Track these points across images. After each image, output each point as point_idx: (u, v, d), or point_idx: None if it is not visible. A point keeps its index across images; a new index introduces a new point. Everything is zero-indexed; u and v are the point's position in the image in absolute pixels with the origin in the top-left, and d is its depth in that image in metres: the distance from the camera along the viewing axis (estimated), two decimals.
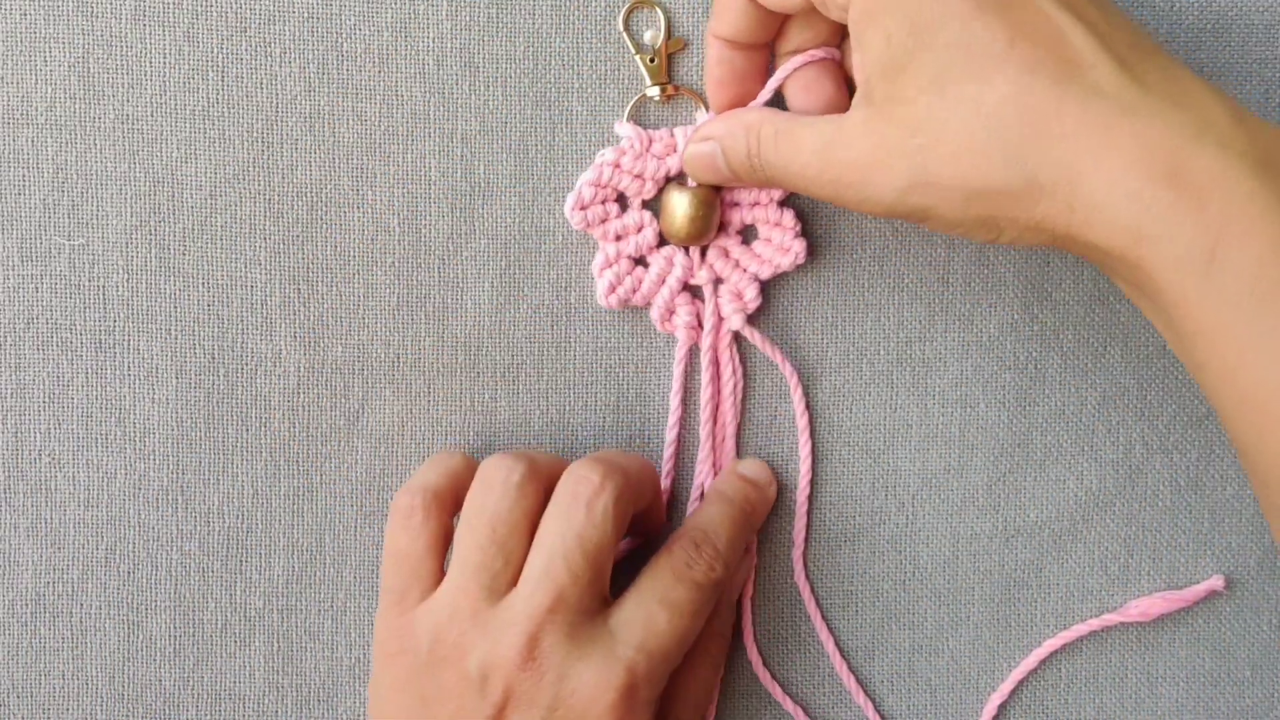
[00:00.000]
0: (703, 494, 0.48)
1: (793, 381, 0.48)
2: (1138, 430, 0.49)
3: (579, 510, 0.42)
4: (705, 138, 0.45)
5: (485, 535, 0.42)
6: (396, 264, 0.48)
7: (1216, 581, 0.49)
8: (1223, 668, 0.50)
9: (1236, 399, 0.36)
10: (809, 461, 0.49)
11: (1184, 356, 0.37)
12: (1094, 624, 0.49)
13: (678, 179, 0.47)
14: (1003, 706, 0.50)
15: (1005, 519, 0.49)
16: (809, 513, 0.49)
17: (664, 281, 0.48)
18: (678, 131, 0.47)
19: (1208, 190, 0.35)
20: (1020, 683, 0.50)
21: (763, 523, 0.48)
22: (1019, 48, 0.37)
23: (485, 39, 0.47)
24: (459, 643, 0.41)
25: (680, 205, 0.46)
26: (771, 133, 0.42)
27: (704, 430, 0.48)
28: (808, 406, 0.49)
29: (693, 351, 0.48)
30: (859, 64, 0.40)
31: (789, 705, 0.49)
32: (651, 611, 0.42)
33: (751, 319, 0.48)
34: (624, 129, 0.47)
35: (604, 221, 0.47)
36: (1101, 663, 0.50)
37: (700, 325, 0.48)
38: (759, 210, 0.47)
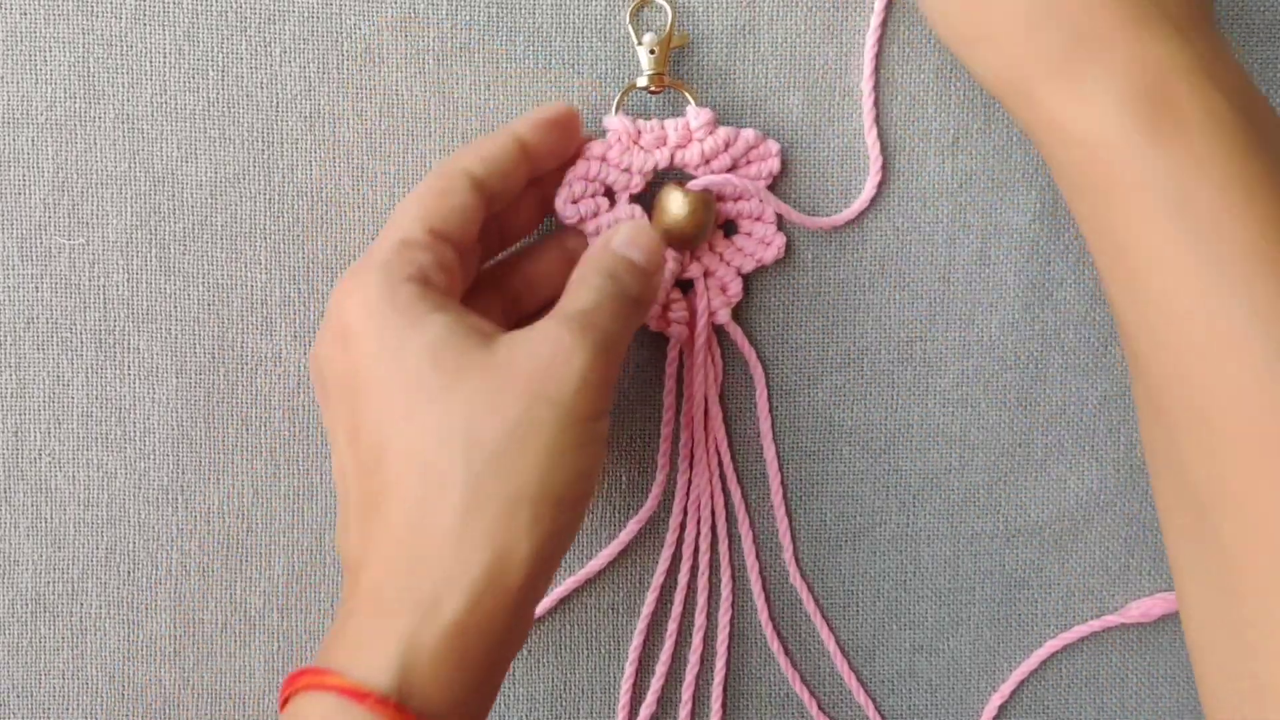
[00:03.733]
0: (690, 480, 0.48)
1: (760, 385, 0.48)
2: (1139, 430, 0.49)
3: None
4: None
5: None
6: None
7: None
8: None
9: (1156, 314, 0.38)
10: (775, 464, 0.49)
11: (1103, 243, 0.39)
12: (1095, 624, 0.49)
13: (671, 177, 0.47)
14: (1003, 707, 0.50)
15: (1006, 519, 0.49)
16: (788, 514, 0.49)
17: None
18: (668, 124, 0.46)
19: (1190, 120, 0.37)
20: (1021, 683, 0.50)
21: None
22: None
23: (486, 38, 0.47)
24: None
25: (679, 207, 0.46)
26: None
27: (694, 423, 0.48)
28: (770, 410, 0.49)
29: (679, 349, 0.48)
30: None
31: (806, 696, 0.49)
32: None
33: (736, 314, 0.48)
34: (612, 121, 0.46)
35: (596, 215, 0.47)
36: (1102, 663, 0.50)
37: (689, 322, 0.48)
38: (741, 204, 0.47)
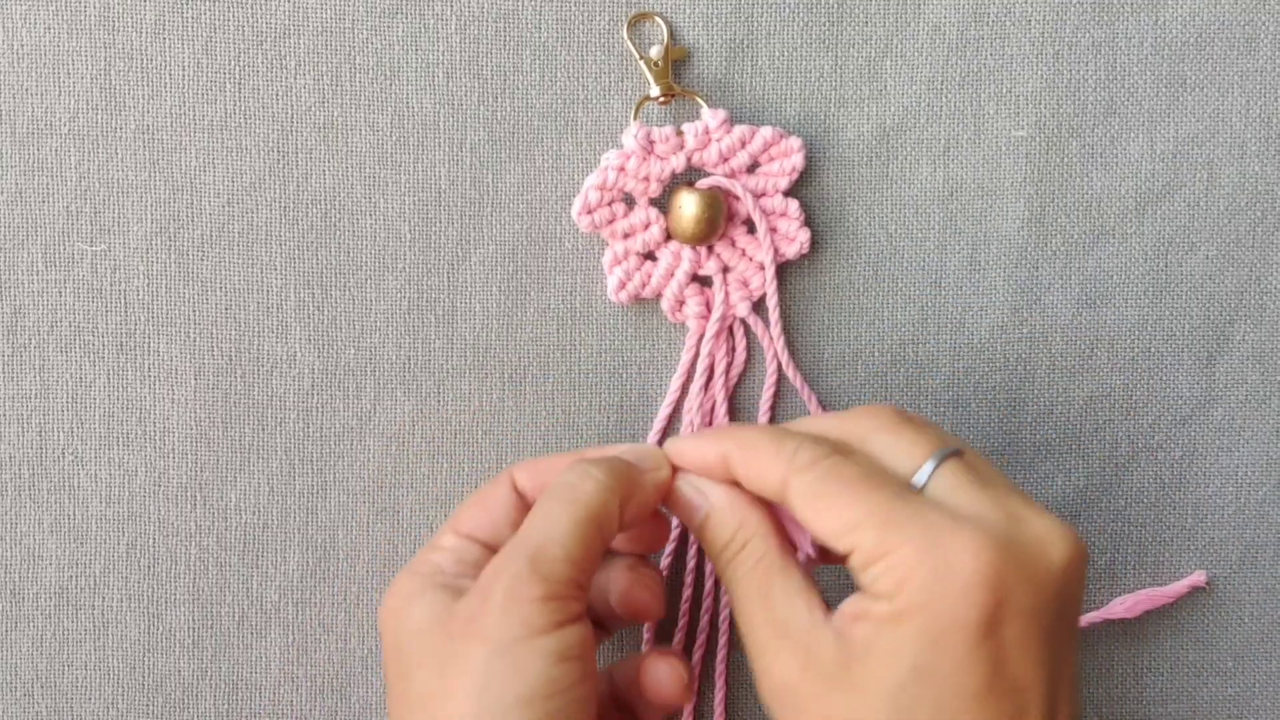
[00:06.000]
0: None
1: (770, 378, 0.49)
2: (1123, 429, 0.50)
3: None
4: (701, 492, 0.41)
5: None
6: (407, 269, 0.49)
7: (1199, 577, 0.49)
8: (1206, 659, 0.50)
9: None
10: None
11: None
12: (1080, 620, 0.49)
13: (685, 178, 0.48)
14: None
15: None
16: None
17: (673, 275, 0.48)
18: (686, 128, 0.47)
19: None
20: None
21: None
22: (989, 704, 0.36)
23: (493, 52, 0.48)
24: None
25: (688, 208, 0.47)
26: (764, 567, 0.39)
27: (694, 408, 0.48)
28: (773, 408, 0.49)
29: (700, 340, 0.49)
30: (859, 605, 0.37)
31: None
32: None
33: (755, 308, 0.49)
34: (628, 134, 0.47)
35: (612, 221, 0.48)
36: (1088, 654, 0.50)
37: (709, 313, 0.49)
38: (765, 201, 0.48)
